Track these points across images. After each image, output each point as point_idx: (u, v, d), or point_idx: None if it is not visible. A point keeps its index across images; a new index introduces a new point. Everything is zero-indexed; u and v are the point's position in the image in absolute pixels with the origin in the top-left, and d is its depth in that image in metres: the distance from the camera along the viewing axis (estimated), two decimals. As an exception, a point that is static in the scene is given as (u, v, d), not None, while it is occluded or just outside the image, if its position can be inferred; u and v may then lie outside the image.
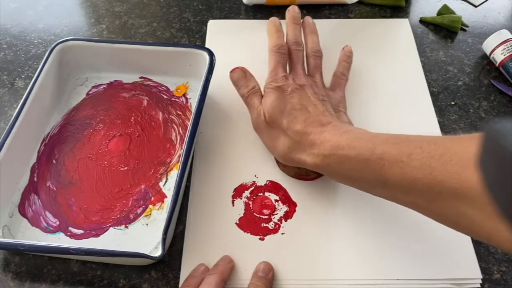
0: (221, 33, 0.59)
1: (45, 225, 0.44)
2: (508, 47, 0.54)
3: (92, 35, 0.60)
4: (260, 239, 0.43)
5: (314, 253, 0.42)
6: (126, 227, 0.43)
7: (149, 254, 0.37)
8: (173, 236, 0.43)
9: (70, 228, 0.43)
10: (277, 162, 0.47)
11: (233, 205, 0.45)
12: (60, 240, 0.43)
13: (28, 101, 0.46)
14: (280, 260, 0.41)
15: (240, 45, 0.58)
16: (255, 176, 0.46)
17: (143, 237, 0.43)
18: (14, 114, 0.45)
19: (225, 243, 0.42)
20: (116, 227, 0.43)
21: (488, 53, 0.56)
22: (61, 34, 0.61)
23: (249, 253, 0.42)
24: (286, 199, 0.45)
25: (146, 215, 0.44)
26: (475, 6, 0.63)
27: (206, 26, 0.61)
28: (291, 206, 0.44)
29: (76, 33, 0.61)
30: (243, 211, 0.44)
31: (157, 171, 0.47)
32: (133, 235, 0.43)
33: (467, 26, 0.60)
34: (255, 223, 0.43)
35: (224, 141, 0.49)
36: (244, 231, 0.43)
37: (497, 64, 0.55)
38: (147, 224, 0.43)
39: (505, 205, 0.25)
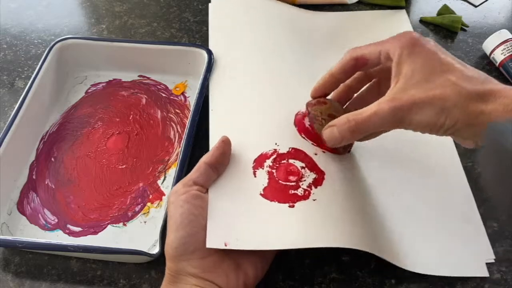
0: (223, 15, 0.57)
1: (44, 222, 0.44)
2: (508, 47, 0.53)
3: (92, 35, 0.60)
4: (289, 206, 0.38)
5: (351, 220, 0.38)
6: (124, 224, 0.43)
7: (147, 252, 0.37)
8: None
9: (69, 226, 0.43)
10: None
11: (255, 176, 0.40)
12: (58, 238, 0.43)
13: (27, 99, 0.47)
14: (313, 228, 0.37)
15: (244, 26, 0.55)
16: (276, 144, 0.42)
17: (141, 234, 0.43)
18: (13, 112, 0.46)
19: (252, 216, 0.38)
20: (114, 225, 0.43)
21: (488, 53, 0.56)
22: (61, 34, 0.60)
23: (279, 222, 0.37)
24: (313, 167, 0.40)
25: (144, 213, 0.44)
26: (475, 6, 0.63)
27: (206, 26, 0.61)
28: (320, 174, 0.40)
29: (76, 33, 0.61)
30: (266, 181, 0.39)
31: (156, 169, 0.47)
32: (131, 232, 0.43)
33: (467, 26, 0.60)
34: (281, 191, 0.39)
35: (237, 113, 0.46)
36: (271, 201, 0.38)
37: (497, 64, 0.54)
38: (145, 222, 0.43)
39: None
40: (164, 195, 0.45)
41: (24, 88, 0.48)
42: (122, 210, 0.44)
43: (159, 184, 0.46)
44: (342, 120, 0.37)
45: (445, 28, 0.60)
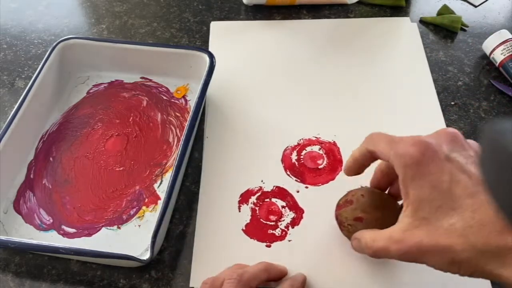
0: (223, 35, 0.59)
1: (39, 222, 0.44)
2: (508, 47, 0.53)
3: (92, 35, 0.60)
4: (266, 246, 0.42)
5: (321, 261, 0.41)
6: (119, 227, 0.43)
7: (137, 257, 0.37)
8: (174, 236, 0.43)
9: (63, 227, 0.43)
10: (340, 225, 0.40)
11: (240, 211, 0.44)
12: (52, 238, 0.43)
13: (27, 98, 0.47)
14: (286, 268, 0.40)
15: (243, 47, 0.58)
16: (262, 181, 0.46)
17: (134, 238, 0.42)
18: (13, 110, 0.46)
19: (233, 250, 0.42)
20: (108, 227, 0.43)
21: (488, 53, 0.56)
22: (61, 34, 0.61)
23: (256, 260, 0.40)
24: (293, 206, 0.44)
25: (139, 217, 0.44)
26: (475, 6, 0.63)
27: (206, 26, 0.61)
28: (298, 212, 0.44)
29: (76, 33, 0.61)
30: (249, 217, 0.44)
31: (153, 172, 0.47)
32: (125, 236, 0.43)
33: (467, 26, 0.60)
34: (261, 229, 0.43)
35: (231, 146, 0.48)
36: (251, 238, 0.42)
37: (497, 64, 0.54)
38: (139, 226, 0.43)
39: (505, 204, 0.25)
40: (159, 199, 0.45)
41: (24, 88, 0.48)
42: (117, 213, 0.44)
43: (155, 188, 0.45)
44: (363, 242, 0.35)
45: (445, 28, 0.60)
